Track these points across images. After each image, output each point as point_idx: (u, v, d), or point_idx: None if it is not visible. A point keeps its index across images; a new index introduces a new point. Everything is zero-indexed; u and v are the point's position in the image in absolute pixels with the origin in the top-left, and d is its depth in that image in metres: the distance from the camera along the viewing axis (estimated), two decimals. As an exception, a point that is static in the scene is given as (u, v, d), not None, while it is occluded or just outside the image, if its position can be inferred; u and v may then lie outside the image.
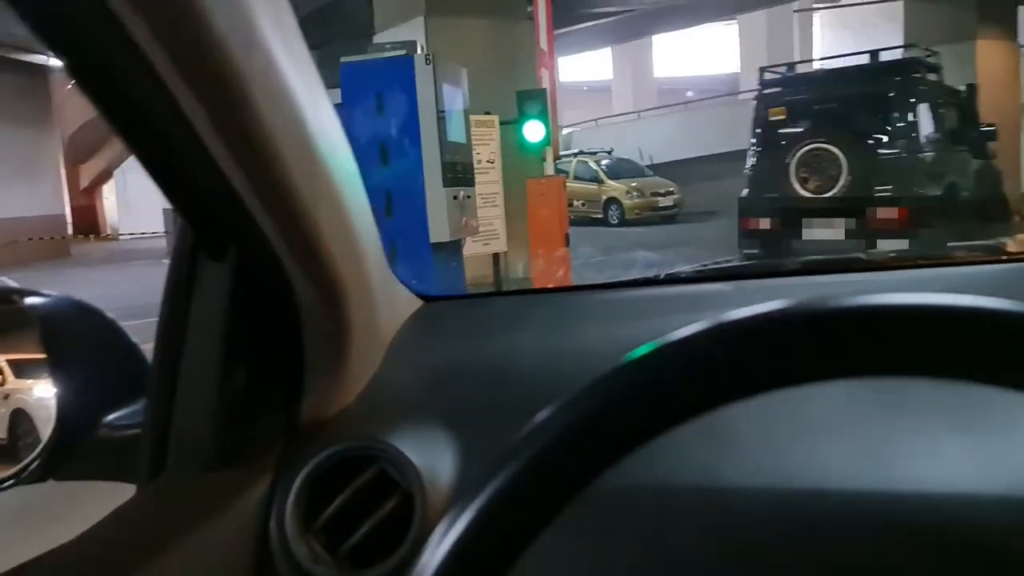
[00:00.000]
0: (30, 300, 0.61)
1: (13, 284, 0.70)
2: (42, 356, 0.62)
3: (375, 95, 4.63)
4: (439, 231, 4.68)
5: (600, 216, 14.91)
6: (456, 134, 4.87)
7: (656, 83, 24.30)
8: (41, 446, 0.59)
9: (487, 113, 6.12)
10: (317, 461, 0.56)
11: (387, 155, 4.64)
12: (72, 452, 0.60)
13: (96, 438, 0.61)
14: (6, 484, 0.59)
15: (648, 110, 22.08)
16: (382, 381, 0.64)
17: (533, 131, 6.19)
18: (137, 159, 0.47)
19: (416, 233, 4.61)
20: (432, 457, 0.57)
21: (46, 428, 0.61)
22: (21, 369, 0.64)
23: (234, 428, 0.56)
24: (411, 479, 0.55)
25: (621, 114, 22.18)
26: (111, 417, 0.61)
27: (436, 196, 4.63)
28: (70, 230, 19.19)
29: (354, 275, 0.56)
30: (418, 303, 0.77)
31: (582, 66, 25.49)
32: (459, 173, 4.86)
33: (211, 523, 0.53)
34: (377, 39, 6.79)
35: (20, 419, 0.63)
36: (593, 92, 25.13)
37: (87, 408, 0.60)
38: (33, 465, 0.58)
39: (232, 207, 0.48)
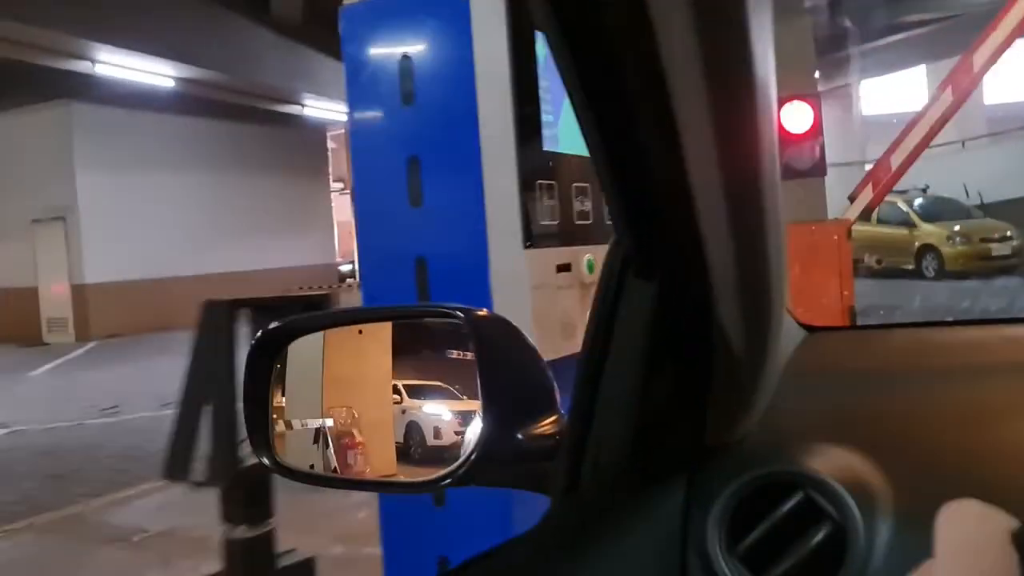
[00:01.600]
0: (464, 315, 0.66)
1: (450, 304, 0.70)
2: (430, 383, 0.72)
3: (397, 58, 2.26)
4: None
5: (912, 267, 12.60)
6: (570, 140, 2.35)
7: (985, 109, 19.83)
8: (468, 453, 0.64)
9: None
10: (739, 484, 0.56)
11: (417, 179, 2.23)
12: (494, 460, 0.63)
13: (514, 448, 0.63)
14: (443, 484, 0.65)
15: (975, 138, 17.94)
16: (781, 409, 0.65)
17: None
18: (602, 177, 0.48)
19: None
20: (859, 489, 0.55)
21: (430, 437, 0.71)
22: (412, 391, 0.72)
23: (648, 447, 0.57)
24: (845, 510, 0.54)
25: (939, 144, 18.04)
26: (526, 429, 0.64)
27: (512, 268, 2.14)
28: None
29: (777, 305, 0.53)
30: (802, 333, 0.84)
31: (890, 91, 21.58)
32: (569, 221, 2.34)
33: (628, 540, 0.56)
34: None
35: (412, 429, 0.72)
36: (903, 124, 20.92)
37: (507, 419, 0.64)
38: (462, 470, 0.63)
39: (682, 230, 0.45)
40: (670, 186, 0.44)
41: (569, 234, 2.32)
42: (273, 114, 14.94)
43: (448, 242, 2.21)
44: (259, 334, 0.74)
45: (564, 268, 2.28)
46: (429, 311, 0.78)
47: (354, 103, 2.33)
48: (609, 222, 2.10)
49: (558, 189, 2.26)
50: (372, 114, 2.31)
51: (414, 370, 0.75)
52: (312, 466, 0.75)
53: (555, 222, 2.25)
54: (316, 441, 0.74)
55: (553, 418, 0.65)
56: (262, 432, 0.73)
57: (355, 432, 0.74)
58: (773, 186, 0.45)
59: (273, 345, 0.74)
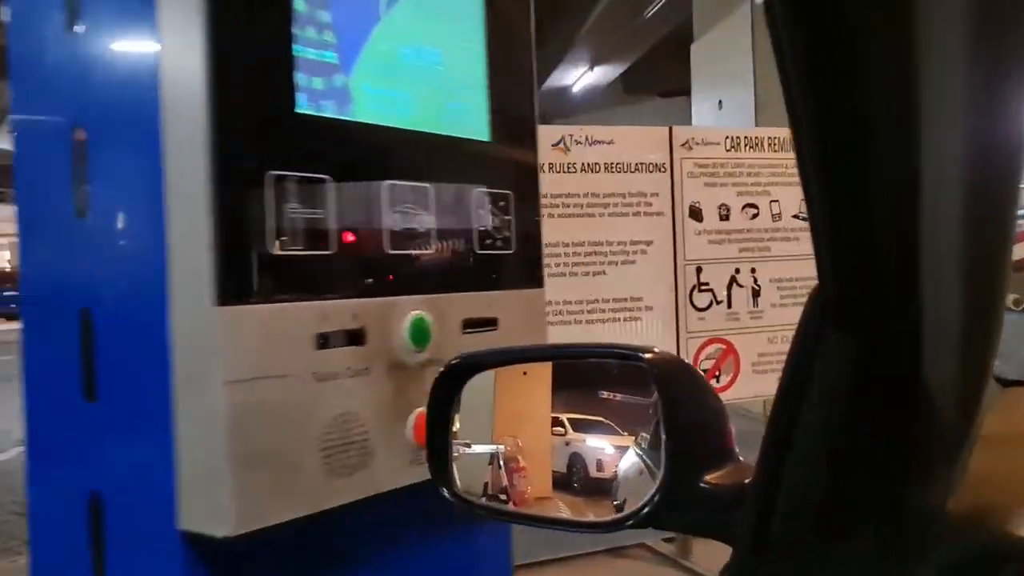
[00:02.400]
0: (647, 359, 0.67)
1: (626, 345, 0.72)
2: (593, 417, 0.75)
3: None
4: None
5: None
6: (383, 104, 1.28)
7: None
8: (649, 496, 0.65)
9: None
10: (943, 553, 0.53)
11: (83, 167, 1.22)
12: (675, 503, 0.63)
13: (696, 494, 0.63)
14: (627, 524, 0.66)
15: None
16: (983, 471, 0.58)
17: None
18: (814, 205, 0.42)
19: (142, 470, 1.17)
20: None
21: (592, 469, 0.73)
22: (576, 424, 0.75)
23: (842, 507, 0.54)
24: None
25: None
26: (708, 476, 0.63)
27: (197, 342, 1.09)
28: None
29: (992, 360, 0.49)
30: (997, 387, 0.78)
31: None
32: (358, 248, 1.25)
33: None
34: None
35: (575, 460, 0.74)
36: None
37: (689, 464, 0.64)
38: (645, 511, 0.64)
39: (904, 271, 0.41)
40: (898, 214, 0.40)
41: (362, 271, 1.25)
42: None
43: (117, 282, 1.20)
44: (448, 365, 0.78)
45: (348, 338, 1.22)
46: (614, 352, 0.78)
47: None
48: (489, 251, 1.31)
49: (336, 190, 1.21)
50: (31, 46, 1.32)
51: (572, 404, 0.79)
52: (486, 487, 0.79)
53: (322, 250, 1.19)
54: (489, 464, 0.79)
55: (733, 467, 0.63)
56: (442, 460, 0.77)
57: (519, 458, 0.79)
58: (1015, 216, 0.41)
59: (458, 376, 0.78)
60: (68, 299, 1.24)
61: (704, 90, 8.59)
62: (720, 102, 8.06)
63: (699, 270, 4.01)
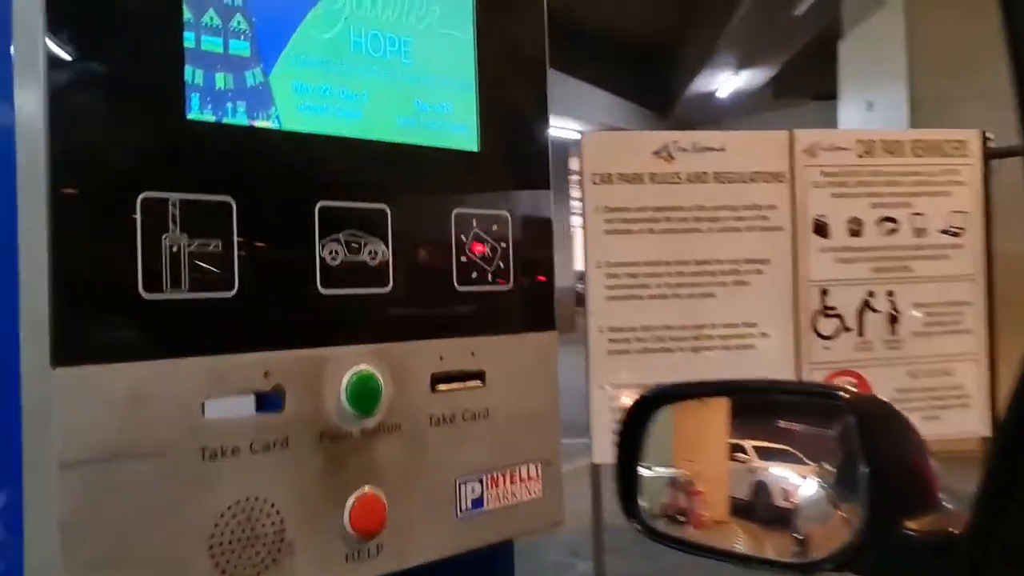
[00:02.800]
0: (845, 398, 0.68)
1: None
2: (779, 446, 0.75)
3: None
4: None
5: None
6: (325, 108, 1.02)
7: None
8: (849, 538, 0.63)
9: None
10: None
11: None
12: (877, 547, 0.61)
13: (899, 540, 0.61)
14: (825, 566, 0.64)
15: None
16: None
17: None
18: None
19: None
20: None
21: (777, 498, 0.73)
22: (761, 452, 0.75)
23: None
24: None
25: None
26: (911, 521, 0.61)
27: (40, 408, 0.85)
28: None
29: None
30: None
31: None
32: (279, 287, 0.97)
33: None
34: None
35: (760, 488, 0.73)
36: None
37: (892, 508, 0.62)
38: (847, 554, 0.61)
39: None
40: None
41: (280, 317, 0.99)
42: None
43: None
44: (640, 396, 0.82)
45: (256, 402, 0.96)
46: (807, 389, 0.81)
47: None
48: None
49: (243, 216, 0.95)
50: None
51: (753, 431, 0.79)
52: (663, 508, 0.81)
53: (216, 292, 0.94)
54: (667, 487, 0.81)
55: (939, 513, 0.62)
56: (630, 490, 0.80)
57: (696, 483, 0.81)
58: None
59: (649, 407, 0.81)
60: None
61: (853, 91, 7.91)
62: (870, 103, 7.37)
63: (824, 292, 3.54)
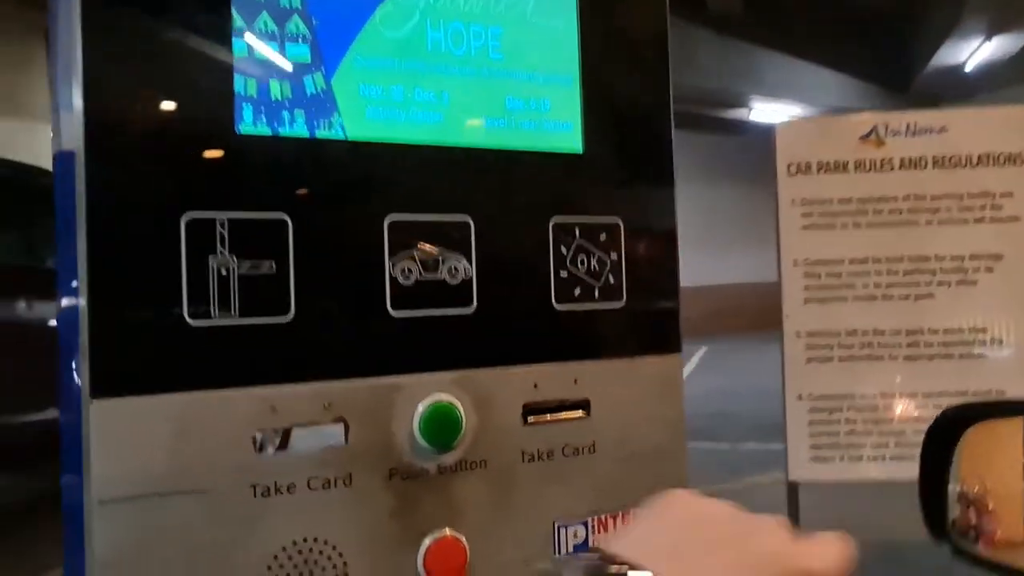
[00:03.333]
0: None
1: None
2: None
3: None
4: None
5: None
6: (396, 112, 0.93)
7: None
8: None
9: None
10: None
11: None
12: None
13: None
14: None
15: None
16: None
17: None
18: None
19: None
20: None
21: None
22: None
23: None
24: None
25: None
26: None
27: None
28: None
29: None
30: None
31: None
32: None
33: None
34: None
35: None
36: None
37: None
38: None
39: None
40: None
41: (343, 342, 0.91)
42: (716, 120, 13.78)
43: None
44: (942, 413, 0.80)
45: (313, 437, 0.88)
46: None
47: None
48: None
49: (301, 234, 0.88)
50: None
51: None
52: (952, 524, 0.79)
53: (271, 317, 0.87)
54: (957, 503, 0.79)
55: None
56: (938, 510, 0.78)
57: (988, 501, 0.79)
58: None
59: (955, 426, 0.79)
60: None
61: None
62: None
63: (1074, 293, 3.03)
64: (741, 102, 12.98)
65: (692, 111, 13.05)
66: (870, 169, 3.19)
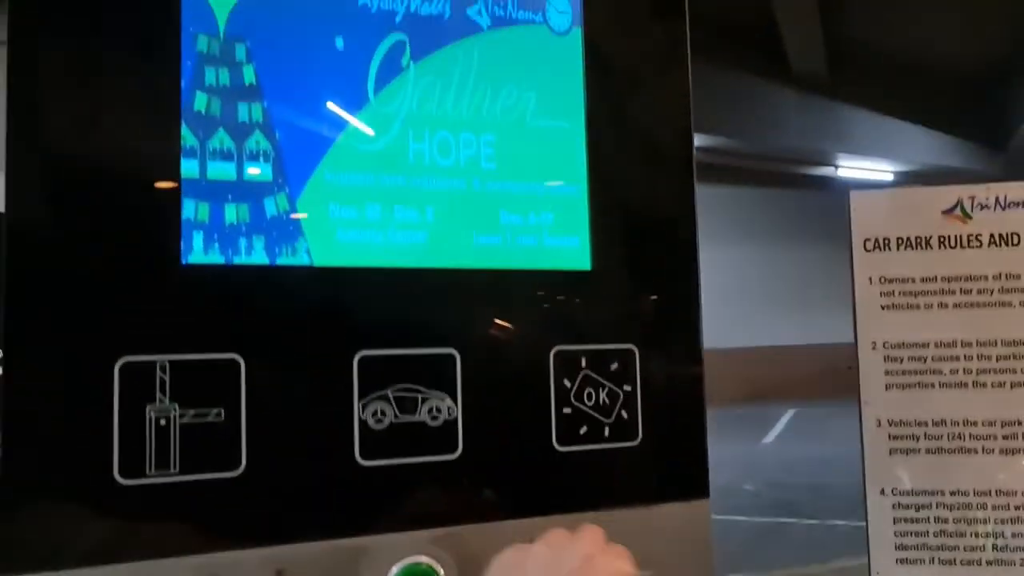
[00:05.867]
0: None
1: None
2: None
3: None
4: None
5: None
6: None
7: None
8: None
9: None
10: None
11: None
12: None
13: None
14: None
15: None
16: None
17: None
18: None
19: None
20: None
21: None
22: None
23: None
24: None
25: None
26: None
27: None
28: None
29: None
30: None
31: None
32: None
33: None
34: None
35: None
36: None
37: None
38: None
39: None
40: None
41: (298, 499, 0.79)
42: (804, 178, 13.45)
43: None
44: None
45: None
46: None
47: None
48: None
49: (252, 375, 0.77)
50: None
51: None
52: None
53: (215, 472, 0.76)
54: None
55: None
56: None
57: None
58: None
59: None
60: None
61: None
62: None
63: None
64: (827, 160, 12.65)
65: (775, 169, 12.80)
66: (955, 246, 2.95)
